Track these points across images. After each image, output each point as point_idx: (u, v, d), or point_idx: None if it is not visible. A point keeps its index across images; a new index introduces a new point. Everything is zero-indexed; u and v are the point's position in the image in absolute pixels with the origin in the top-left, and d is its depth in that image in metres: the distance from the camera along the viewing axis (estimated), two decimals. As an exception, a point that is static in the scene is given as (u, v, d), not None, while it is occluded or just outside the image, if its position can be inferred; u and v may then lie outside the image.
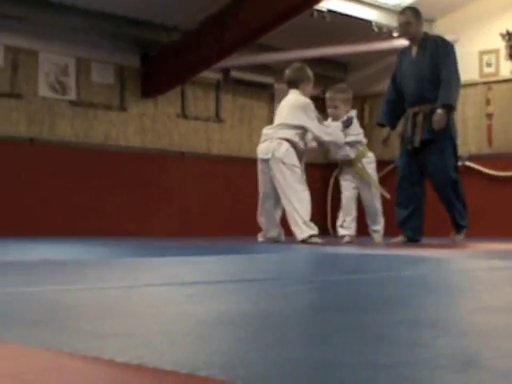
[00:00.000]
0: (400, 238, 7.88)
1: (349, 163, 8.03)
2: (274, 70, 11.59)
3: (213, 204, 10.99)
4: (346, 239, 7.76)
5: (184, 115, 10.96)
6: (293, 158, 7.40)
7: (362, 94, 12.24)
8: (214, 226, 10.83)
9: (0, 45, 9.22)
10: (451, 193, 7.86)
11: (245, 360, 1.22)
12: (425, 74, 7.60)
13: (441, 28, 11.42)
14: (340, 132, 7.84)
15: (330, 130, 7.78)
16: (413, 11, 7.88)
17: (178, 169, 10.68)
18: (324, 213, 12.44)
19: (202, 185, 10.95)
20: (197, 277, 3.13)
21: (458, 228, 7.94)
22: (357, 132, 8.07)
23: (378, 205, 7.98)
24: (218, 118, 11.37)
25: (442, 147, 7.67)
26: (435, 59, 7.56)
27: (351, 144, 7.96)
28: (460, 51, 11.17)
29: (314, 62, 11.57)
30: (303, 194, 7.40)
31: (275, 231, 7.63)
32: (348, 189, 8.00)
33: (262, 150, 7.55)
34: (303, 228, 7.28)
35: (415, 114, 7.67)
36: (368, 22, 10.55)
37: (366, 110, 12.22)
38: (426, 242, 7.88)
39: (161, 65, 10.36)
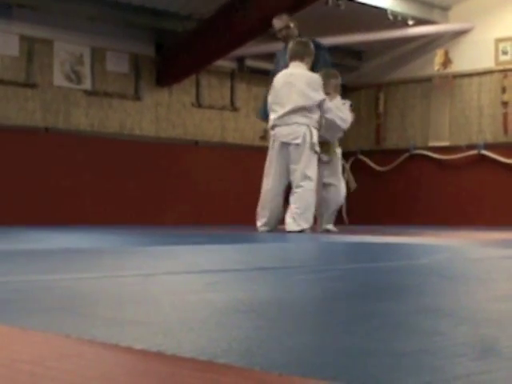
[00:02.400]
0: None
1: (326, 147, 7.80)
2: (289, 58, 11.57)
3: (227, 192, 10.99)
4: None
5: (198, 104, 10.96)
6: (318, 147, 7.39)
7: (377, 83, 12.21)
8: (228, 215, 10.83)
9: (15, 34, 9.24)
10: None
11: (264, 347, 1.21)
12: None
13: (456, 16, 11.37)
14: (349, 113, 7.86)
15: (342, 115, 7.79)
16: (288, 15, 8.18)
17: (192, 158, 10.69)
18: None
19: (216, 174, 10.95)
20: (214, 265, 3.13)
21: None
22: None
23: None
24: (232, 107, 11.36)
25: None
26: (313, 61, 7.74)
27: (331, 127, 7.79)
28: (475, 39, 11.15)
29: (329, 50, 11.56)
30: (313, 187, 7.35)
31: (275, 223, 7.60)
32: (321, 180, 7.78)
33: (285, 133, 7.34)
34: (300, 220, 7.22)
35: None
36: (383, 10, 10.50)
37: (381, 99, 12.18)
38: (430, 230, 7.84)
39: (176, 54, 10.35)
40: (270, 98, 7.51)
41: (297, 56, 7.54)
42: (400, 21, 10.71)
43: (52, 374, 1.00)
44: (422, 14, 11.03)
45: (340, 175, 7.98)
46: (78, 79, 9.72)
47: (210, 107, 11.10)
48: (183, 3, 9.91)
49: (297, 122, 7.25)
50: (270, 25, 8.81)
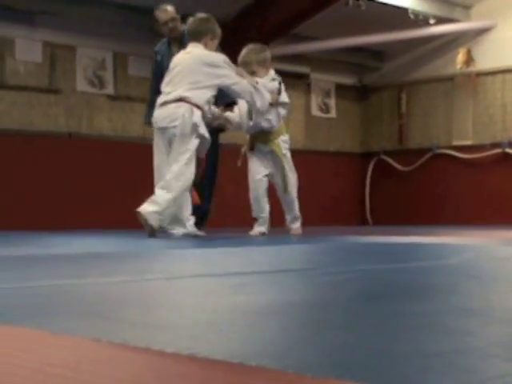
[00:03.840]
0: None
1: (264, 138, 6.90)
2: (311, 59, 11.57)
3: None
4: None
5: (221, 107, 10.95)
6: (205, 129, 6.23)
7: (399, 83, 12.17)
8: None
9: (38, 41, 9.29)
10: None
11: (295, 349, 1.21)
12: None
13: (478, 14, 11.31)
14: (267, 94, 6.50)
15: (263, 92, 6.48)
16: (172, 7, 7.57)
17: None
18: (362, 203, 12.43)
19: (241, 176, 10.94)
20: (240, 267, 3.13)
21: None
22: (285, 94, 6.91)
23: (294, 192, 7.14)
24: (255, 110, 11.35)
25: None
26: None
27: (282, 106, 6.86)
28: (498, 36, 11.09)
29: (350, 51, 11.56)
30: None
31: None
32: (256, 174, 7.02)
33: (159, 116, 6.29)
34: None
35: None
36: (404, 10, 10.46)
37: (403, 99, 12.14)
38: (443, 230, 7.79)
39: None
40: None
41: (192, 35, 6.51)
42: (421, 20, 10.67)
43: (84, 378, 1.01)
44: (444, 12, 10.98)
45: (286, 168, 6.99)
46: (101, 84, 9.75)
47: (232, 110, 11.10)
48: (204, 7, 9.91)
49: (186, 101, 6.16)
50: (292, 27, 8.81)
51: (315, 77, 11.91)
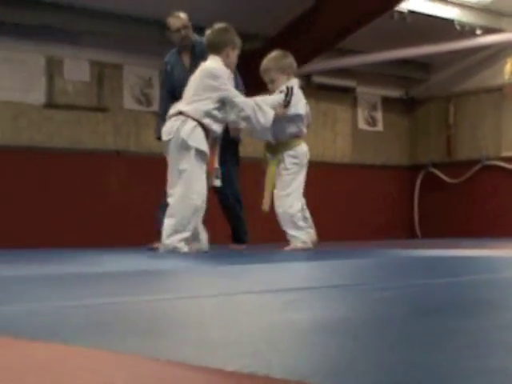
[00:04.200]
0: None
1: (271, 149, 6.58)
2: (356, 73, 11.55)
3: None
4: None
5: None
6: (200, 141, 6.06)
7: (447, 94, 12.09)
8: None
9: (85, 60, 9.40)
10: (237, 205, 7.37)
11: (354, 367, 1.21)
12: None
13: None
14: (270, 111, 6.24)
15: (265, 103, 6.28)
16: (185, 14, 7.23)
17: (261, 176, 10.66)
18: (411, 216, 12.34)
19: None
20: (290, 283, 3.12)
21: (240, 240, 7.44)
22: (300, 105, 6.53)
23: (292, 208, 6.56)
24: (301, 124, 11.35)
25: (225, 159, 6.88)
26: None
27: (291, 119, 6.47)
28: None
29: (396, 64, 11.52)
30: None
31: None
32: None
33: (163, 130, 6.26)
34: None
35: None
36: (450, 21, 10.40)
37: (450, 110, 12.06)
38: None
39: (243, 73, 10.39)
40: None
41: (212, 47, 6.36)
42: (468, 31, 10.60)
43: (147, 397, 1.01)
44: (490, 22, 10.89)
45: (285, 186, 6.61)
46: (148, 102, 9.83)
47: (279, 125, 11.11)
48: (249, 23, 9.96)
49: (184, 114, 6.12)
50: (337, 41, 8.79)
51: (361, 90, 11.88)
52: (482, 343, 1.42)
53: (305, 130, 6.70)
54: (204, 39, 7.02)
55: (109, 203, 9.30)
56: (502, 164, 11.41)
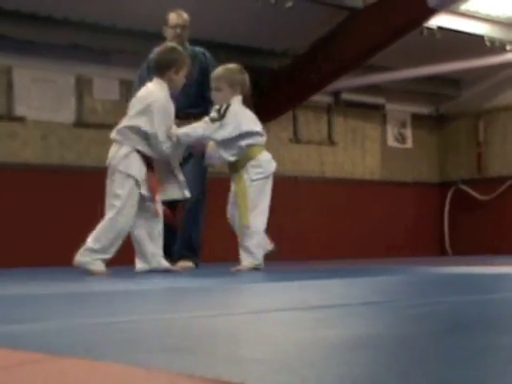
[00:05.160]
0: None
1: (232, 168, 6.22)
2: (385, 90, 11.53)
3: (327, 227, 10.95)
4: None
5: (296, 139, 10.98)
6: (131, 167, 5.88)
7: (477, 111, 12.03)
8: (330, 249, 10.77)
9: (115, 79, 9.46)
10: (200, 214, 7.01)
11: (386, 383, 1.19)
12: (192, 87, 6.70)
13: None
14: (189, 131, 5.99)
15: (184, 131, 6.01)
16: (187, 15, 7.01)
17: (291, 194, 10.68)
18: (441, 233, 12.26)
19: (316, 208, 10.93)
20: (322, 300, 3.11)
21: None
22: (233, 125, 6.08)
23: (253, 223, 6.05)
24: (330, 141, 11.35)
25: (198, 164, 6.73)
26: (205, 73, 6.66)
27: (224, 144, 6.09)
28: None
29: (425, 80, 11.48)
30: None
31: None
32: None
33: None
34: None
35: None
36: (479, 37, 10.36)
37: (480, 127, 12.00)
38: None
39: (272, 90, 10.42)
40: None
41: (154, 70, 6.17)
42: (498, 46, 10.55)
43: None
44: (520, 38, 10.84)
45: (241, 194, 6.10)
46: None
47: (308, 142, 11.11)
48: (277, 40, 9.99)
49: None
50: (366, 58, 8.76)
51: (390, 107, 11.86)
52: (519, 360, 1.40)
53: (261, 139, 6.34)
54: (207, 53, 7.01)
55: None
56: (533, 180, 11.34)
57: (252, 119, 6.34)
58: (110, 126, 9.36)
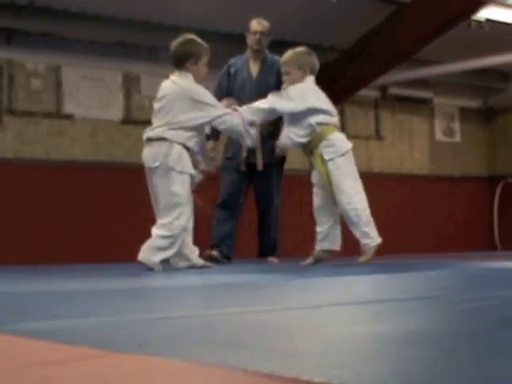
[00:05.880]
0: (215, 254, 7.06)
1: (307, 150, 6.23)
2: (433, 83, 11.43)
3: (374, 222, 10.87)
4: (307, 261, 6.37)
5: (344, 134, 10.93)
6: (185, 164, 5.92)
7: (527, 104, 11.89)
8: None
9: (162, 76, 9.43)
10: (276, 218, 7.36)
11: (446, 379, 1.18)
12: (269, 93, 6.48)
13: None
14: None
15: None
16: (268, 24, 7.19)
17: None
18: (490, 227, 12.14)
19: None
20: (375, 295, 3.10)
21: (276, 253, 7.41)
22: (299, 100, 6.10)
23: (353, 205, 6.36)
24: (377, 136, 11.29)
25: (272, 172, 7.19)
26: (281, 82, 6.53)
27: (294, 122, 6.16)
28: None
29: (474, 73, 11.36)
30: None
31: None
32: (315, 194, 6.36)
33: (144, 155, 6.18)
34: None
35: None
36: (529, 28, 10.22)
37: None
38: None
39: (319, 85, 10.38)
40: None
41: (176, 63, 6.15)
42: (548, 38, 10.40)
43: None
44: None
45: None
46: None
47: (356, 137, 11.04)
48: (324, 35, 9.96)
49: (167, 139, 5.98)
50: (413, 51, 8.68)
51: (438, 101, 11.76)
52: None
53: (333, 119, 6.32)
54: (276, 58, 7.07)
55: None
56: None
57: (322, 98, 6.33)
58: (158, 123, 9.48)
